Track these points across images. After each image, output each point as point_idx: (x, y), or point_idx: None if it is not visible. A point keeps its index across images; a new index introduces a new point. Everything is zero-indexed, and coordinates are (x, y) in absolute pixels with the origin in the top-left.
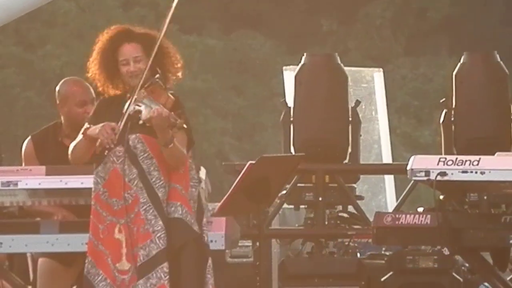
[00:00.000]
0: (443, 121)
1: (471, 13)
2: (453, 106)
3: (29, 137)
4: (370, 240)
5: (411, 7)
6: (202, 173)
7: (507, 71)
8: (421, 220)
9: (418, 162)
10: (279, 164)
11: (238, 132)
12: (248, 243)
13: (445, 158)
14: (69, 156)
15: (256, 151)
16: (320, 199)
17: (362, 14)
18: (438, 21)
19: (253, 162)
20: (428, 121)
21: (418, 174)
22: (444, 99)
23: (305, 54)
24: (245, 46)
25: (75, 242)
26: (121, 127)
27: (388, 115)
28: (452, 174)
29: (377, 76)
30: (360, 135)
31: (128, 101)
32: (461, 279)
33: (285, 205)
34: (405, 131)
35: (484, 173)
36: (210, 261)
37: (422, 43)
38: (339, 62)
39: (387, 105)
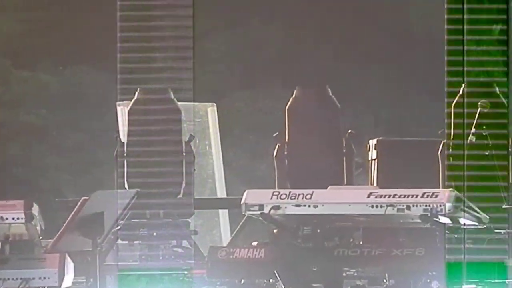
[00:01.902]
0: (276, 154)
1: (306, 46)
2: (287, 140)
3: None
4: (205, 274)
5: (247, 40)
6: (35, 209)
7: (339, 105)
8: (255, 254)
9: (251, 196)
10: (113, 199)
11: (74, 167)
12: (82, 279)
13: (279, 192)
14: None
15: (92, 186)
16: (155, 234)
17: (196, 47)
18: (274, 54)
19: (87, 197)
20: (263, 155)
21: (251, 208)
22: (277, 133)
23: (138, 89)
24: (79, 81)
25: None
26: None
27: (224, 149)
28: (285, 207)
29: (211, 111)
30: (194, 170)
31: None
32: None
33: (119, 241)
34: (241, 165)
35: (317, 206)
36: None
37: (258, 76)
38: (172, 97)
39: (223, 139)
